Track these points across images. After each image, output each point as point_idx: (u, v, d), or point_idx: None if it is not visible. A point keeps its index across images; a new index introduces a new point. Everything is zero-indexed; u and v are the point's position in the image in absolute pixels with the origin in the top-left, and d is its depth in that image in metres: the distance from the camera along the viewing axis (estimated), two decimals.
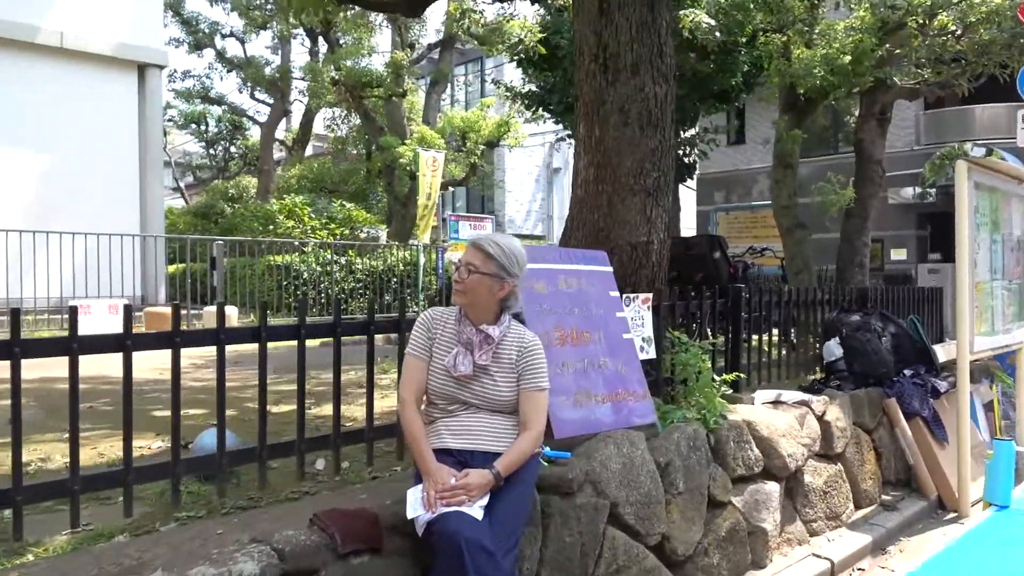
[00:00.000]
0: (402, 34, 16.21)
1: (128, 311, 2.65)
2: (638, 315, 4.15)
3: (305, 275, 12.72)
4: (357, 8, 12.09)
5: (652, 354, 4.19)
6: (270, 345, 2.91)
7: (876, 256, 15.20)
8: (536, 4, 11.29)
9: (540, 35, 9.63)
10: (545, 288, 3.62)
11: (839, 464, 4.66)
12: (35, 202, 11.88)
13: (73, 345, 2.44)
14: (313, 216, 13.95)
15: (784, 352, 5.64)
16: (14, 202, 11.73)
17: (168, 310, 10.67)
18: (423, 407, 2.67)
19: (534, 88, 12.09)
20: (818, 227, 12.73)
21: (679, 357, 4.17)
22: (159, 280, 13.08)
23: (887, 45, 8.46)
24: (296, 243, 13.13)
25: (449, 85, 20.25)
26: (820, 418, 4.55)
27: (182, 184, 28.29)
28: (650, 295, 4.23)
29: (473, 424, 2.61)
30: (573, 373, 3.53)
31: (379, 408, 3.69)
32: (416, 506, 2.36)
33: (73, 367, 2.45)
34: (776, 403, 4.48)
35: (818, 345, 5.76)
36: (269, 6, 21.73)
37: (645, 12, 4.33)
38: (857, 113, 10.14)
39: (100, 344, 2.58)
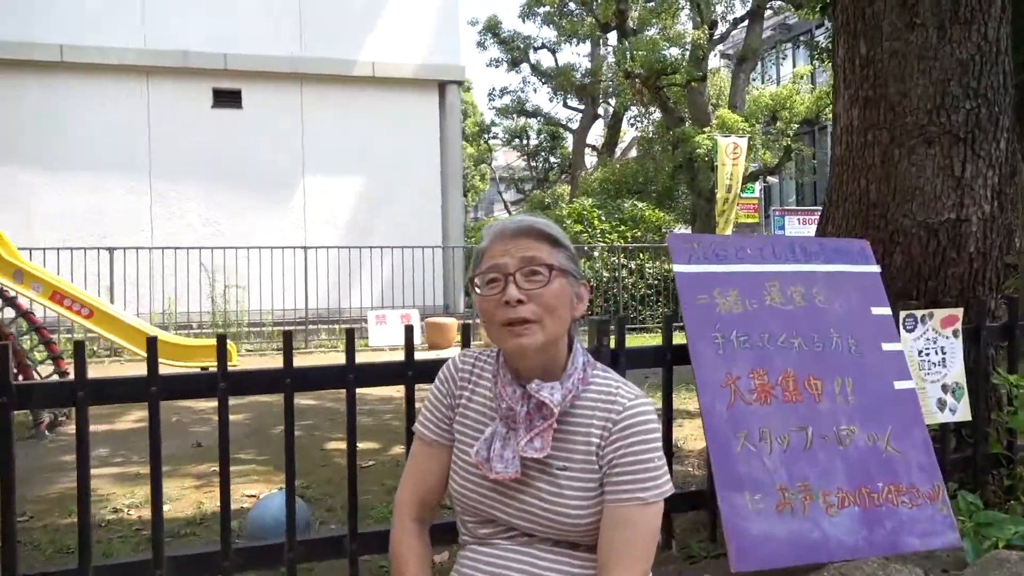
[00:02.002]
0: (702, 12, 14.65)
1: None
2: (933, 346, 2.43)
3: (592, 282, 11.98)
4: None
5: (964, 414, 2.43)
6: None
7: None
8: None
9: None
10: (736, 304, 2.18)
11: None
12: (352, 220, 12.97)
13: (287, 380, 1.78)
14: (603, 219, 13.16)
15: None
16: (337, 221, 12.93)
17: (448, 320, 10.72)
18: (458, 519, 1.49)
19: None
20: None
21: (1017, 420, 2.36)
22: (457, 290, 13.44)
23: None
24: (585, 248, 12.46)
25: (760, 62, 18.01)
26: None
27: (506, 198, 29.86)
28: (958, 312, 2.46)
29: (522, 564, 1.38)
30: (780, 452, 2.04)
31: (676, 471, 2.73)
32: None
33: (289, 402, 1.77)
34: None
35: None
36: (576, 12, 21.73)
37: None
38: None
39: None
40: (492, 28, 23.51)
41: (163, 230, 11.93)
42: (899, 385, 2.24)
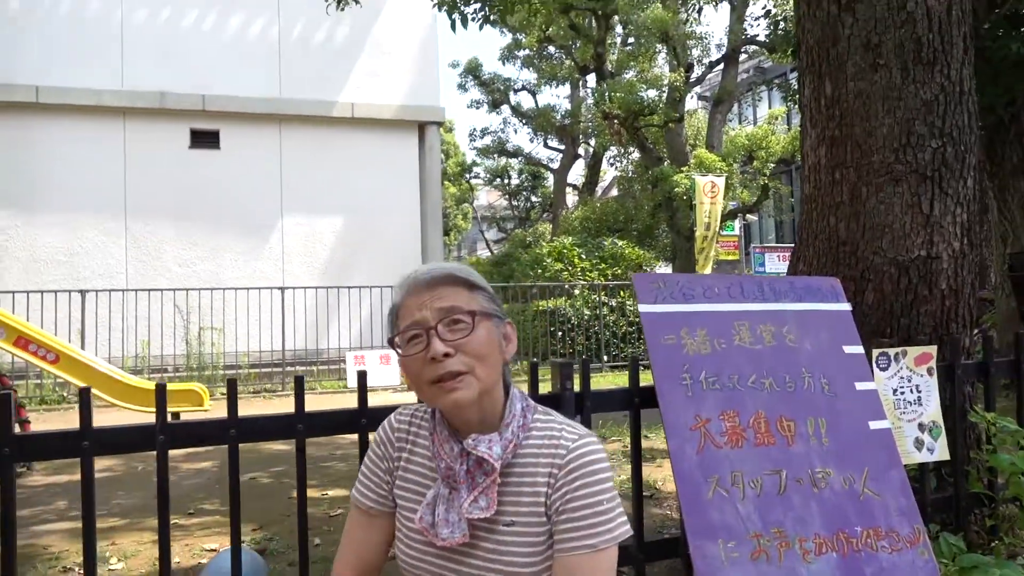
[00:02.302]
0: (678, 56, 14.92)
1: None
2: (907, 384, 2.39)
3: (573, 319, 11.94)
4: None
5: (942, 453, 2.38)
6: None
7: None
8: None
9: None
10: (704, 344, 2.12)
11: None
12: (331, 260, 12.89)
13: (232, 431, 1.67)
14: (583, 257, 13.18)
15: None
16: (315, 261, 12.84)
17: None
18: None
19: None
20: None
21: (997, 459, 2.31)
22: None
23: None
24: (565, 286, 12.45)
25: (736, 104, 18.33)
26: None
27: (487, 237, 29.95)
28: (932, 349, 2.43)
29: None
30: (754, 497, 1.97)
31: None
32: None
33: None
34: None
35: None
36: (556, 55, 22.07)
37: None
38: None
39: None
40: (473, 71, 23.84)
41: (137, 271, 11.77)
42: (874, 425, 2.19)
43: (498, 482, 1.25)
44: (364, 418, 1.74)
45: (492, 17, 6.62)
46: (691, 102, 20.01)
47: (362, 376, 1.80)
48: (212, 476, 4.74)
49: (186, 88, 12.10)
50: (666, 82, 15.04)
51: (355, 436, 1.75)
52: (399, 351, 1.26)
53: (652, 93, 14.73)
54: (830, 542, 1.98)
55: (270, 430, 1.74)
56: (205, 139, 12.41)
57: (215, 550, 3.11)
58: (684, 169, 13.84)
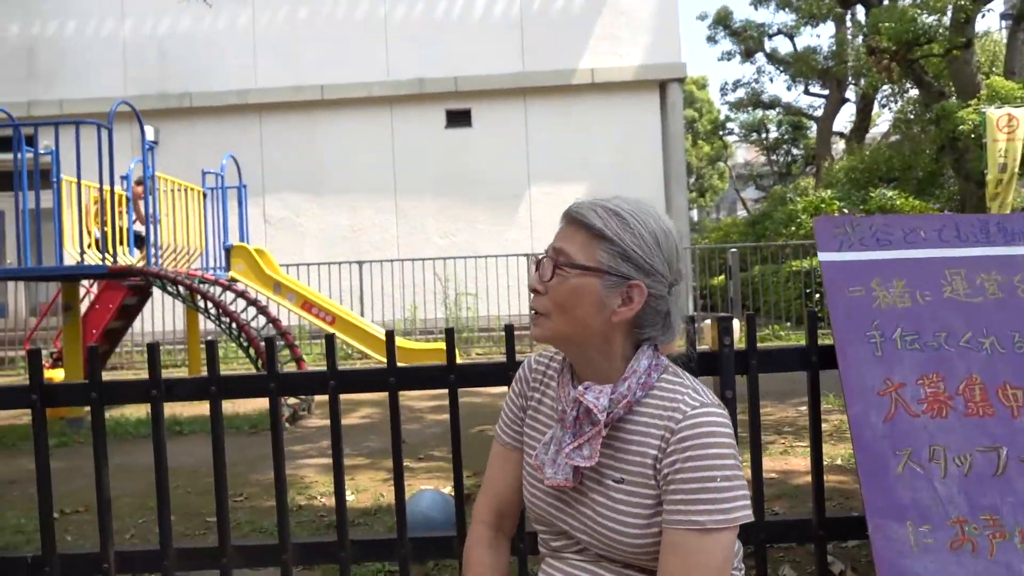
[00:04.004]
0: None
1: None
2: None
3: None
4: None
5: None
6: None
7: None
8: None
9: None
10: (902, 296, 1.84)
11: None
12: None
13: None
14: (845, 212, 11.93)
15: None
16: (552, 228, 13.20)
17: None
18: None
19: None
20: None
21: None
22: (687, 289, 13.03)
23: None
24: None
25: None
26: None
27: (744, 196, 28.37)
28: None
29: None
30: (959, 475, 1.68)
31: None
32: None
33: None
34: None
35: None
36: None
37: None
38: None
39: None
40: (722, 20, 22.56)
41: (406, 244, 13.06)
42: None
43: (603, 434, 1.22)
44: (511, 371, 1.78)
45: None
46: (984, 22, 16.96)
47: (509, 330, 1.83)
48: (445, 426, 5.17)
49: (440, 72, 13.05)
50: (950, 3, 12.92)
51: None
52: None
53: (930, 19, 12.74)
54: None
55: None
56: (458, 118, 13.30)
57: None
58: (972, 103, 11.85)
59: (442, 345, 8.34)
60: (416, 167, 13.12)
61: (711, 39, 22.97)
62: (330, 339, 1.87)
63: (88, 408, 1.81)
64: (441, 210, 13.18)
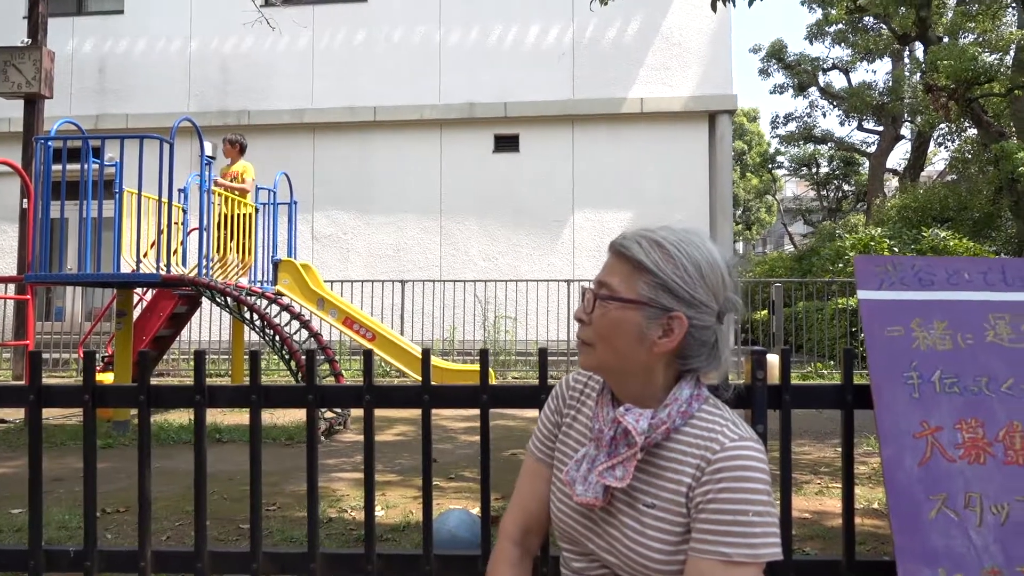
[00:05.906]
0: None
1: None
2: None
3: None
4: None
5: None
6: None
7: None
8: None
9: None
10: (943, 339, 1.82)
11: None
12: None
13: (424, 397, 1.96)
14: (895, 251, 11.67)
15: None
16: (603, 255, 13.16)
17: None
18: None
19: None
20: None
21: None
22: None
23: None
24: None
25: None
26: None
27: (791, 231, 27.93)
28: None
29: None
30: (995, 524, 1.64)
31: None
32: None
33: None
34: None
35: None
36: (872, 25, 19.84)
37: None
38: None
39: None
40: (776, 53, 22.46)
41: (449, 265, 13.19)
42: None
43: (638, 457, 1.23)
44: (542, 393, 1.80)
45: None
46: None
47: (543, 353, 1.86)
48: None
49: (490, 97, 13.24)
50: (1013, 42, 12.66)
51: None
52: None
53: (991, 57, 12.48)
54: None
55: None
56: (506, 143, 13.45)
57: None
58: None
59: (478, 367, 8.40)
60: (462, 190, 13.29)
61: (764, 72, 22.87)
62: (368, 354, 1.92)
63: (134, 412, 1.88)
64: (485, 233, 13.29)
